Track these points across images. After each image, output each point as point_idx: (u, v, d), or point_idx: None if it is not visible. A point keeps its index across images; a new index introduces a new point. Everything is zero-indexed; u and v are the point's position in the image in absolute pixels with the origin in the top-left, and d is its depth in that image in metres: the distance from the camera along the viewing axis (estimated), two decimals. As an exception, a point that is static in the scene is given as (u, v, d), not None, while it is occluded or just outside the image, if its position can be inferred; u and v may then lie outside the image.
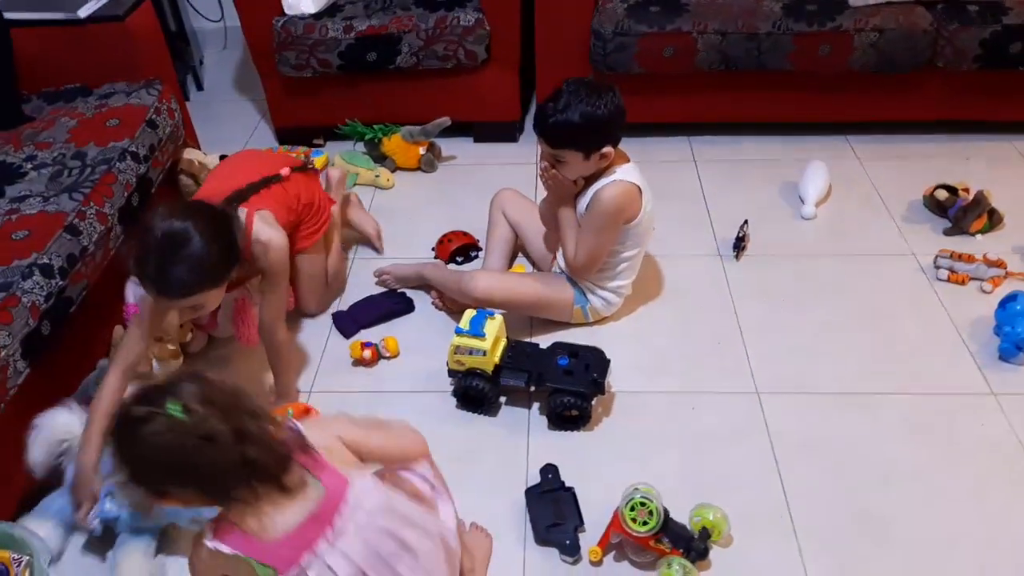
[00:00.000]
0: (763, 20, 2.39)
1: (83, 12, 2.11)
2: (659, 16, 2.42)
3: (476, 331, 1.72)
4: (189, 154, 2.21)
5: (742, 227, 2.23)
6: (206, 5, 3.34)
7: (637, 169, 1.84)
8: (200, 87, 3.23)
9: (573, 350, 1.77)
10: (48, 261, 1.59)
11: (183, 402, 0.99)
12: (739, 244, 2.21)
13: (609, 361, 1.75)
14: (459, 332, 1.73)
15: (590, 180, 1.82)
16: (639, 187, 1.81)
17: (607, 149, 1.75)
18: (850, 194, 2.44)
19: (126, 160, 1.90)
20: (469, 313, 1.77)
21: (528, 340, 1.90)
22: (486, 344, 1.71)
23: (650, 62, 2.46)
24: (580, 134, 1.72)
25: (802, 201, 2.38)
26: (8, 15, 2.09)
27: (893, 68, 2.43)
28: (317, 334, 2.04)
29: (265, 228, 1.68)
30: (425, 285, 2.13)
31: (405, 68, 2.52)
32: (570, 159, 1.76)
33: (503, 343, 1.79)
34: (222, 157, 2.23)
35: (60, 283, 1.61)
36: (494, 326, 1.75)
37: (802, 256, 2.21)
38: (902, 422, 1.75)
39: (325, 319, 2.07)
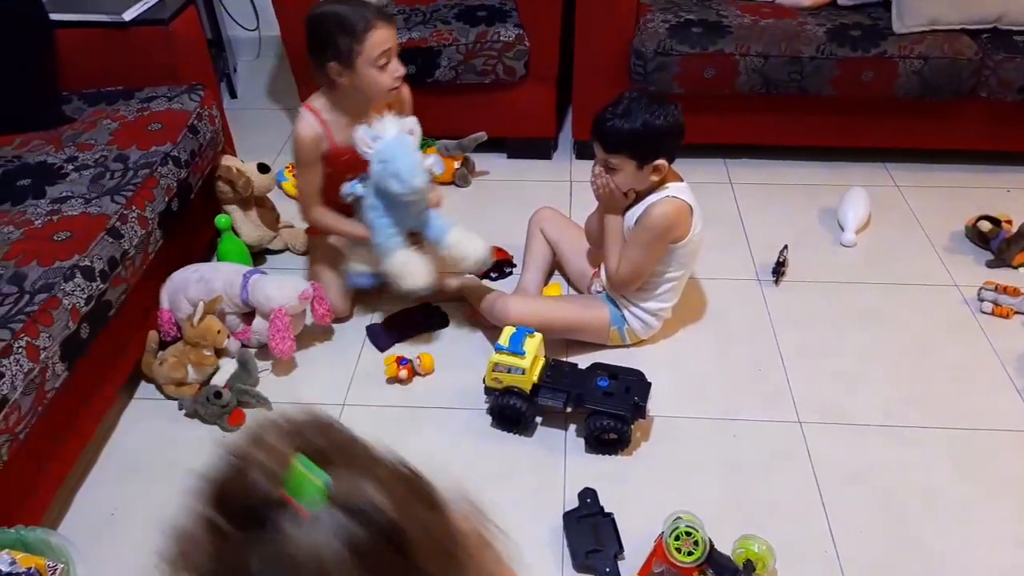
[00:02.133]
0: (806, 44, 2.37)
1: (128, 15, 2.10)
2: (701, 37, 2.40)
3: (516, 349, 1.69)
4: (227, 161, 2.19)
5: (782, 252, 2.20)
6: (242, 13, 3.35)
7: (689, 189, 1.82)
8: (234, 95, 3.23)
9: (613, 372, 1.74)
10: (90, 264, 1.58)
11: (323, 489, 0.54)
12: (778, 269, 2.18)
13: (650, 384, 1.72)
14: (499, 349, 1.70)
15: (641, 195, 1.80)
16: (691, 206, 1.78)
17: (661, 162, 1.73)
18: (890, 222, 2.41)
19: (168, 165, 1.89)
20: (508, 330, 1.74)
21: (565, 359, 1.88)
22: (525, 362, 1.68)
23: (690, 83, 2.44)
24: (636, 141, 1.71)
25: (841, 228, 2.35)
26: (53, 16, 2.09)
27: (936, 96, 2.41)
28: (350, 346, 2.01)
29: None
30: (460, 298, 2.10)
31: (443, 82, 2.51)
32: (624, 167, 1.75)
33: (542, 362, 1.76)
34: (260, 165, 2.22)
35: (101, 286, 1.59)
36: (533, 344, 1.72)
37: (842, 284, 2.18)
38: (948, 455, 1.71)
39: (358, 331, 2.05)
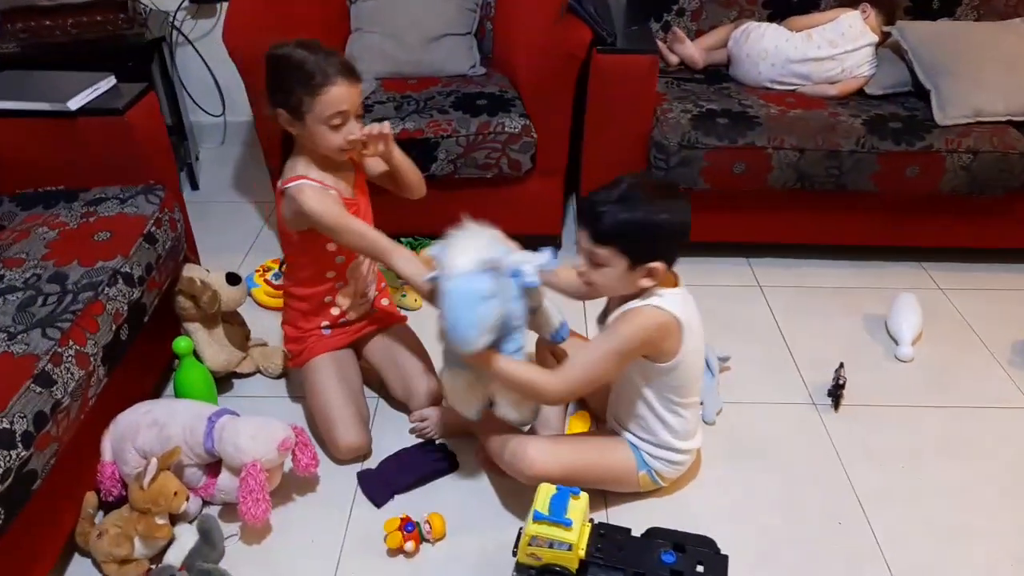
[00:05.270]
0: (844, 137, 2.15)
1: (73, 103, 1.78)
2: (729, 129, 2.16)
3: (559, 518, 1.34)
4: (189, 271, 1.84)
5: (837, 371, 1.91)
6: (206, 98, 3.06)
7: (684, 298, 1.48)
8: (195, 186, 2.90)
9: (678, 541, 1.39)
10: (9, 426, 1.20)
11: None
12: (836, 391, 1.88)
13: (726, 558, 1.38)
14: (538, 518, 1.35)
15: (624, 299, 1.48)
16: (678, 321, 1.46)
17: (657, 265, 1.42)
18: (942, 331, 2.15)
19: (117, 284, 1.53)
20: (547, 490, 1.39)
21: (606, 518, 1.53)
22: (573, 535, 1.33)
23: (718, 178, 2.19)
24: (633, 235, 1.39)
25: (894, 340, 2.09)
26: (-17, 104, 1.76)
27: (985, 192, 2.20)
28: (340, 500, 1.64)
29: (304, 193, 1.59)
30: (469, 432, 1.76)
31: (439, 176, 2.22)
32: (613, 263, 1.41)
33: (588, 529, 1.41)
34: (229, 275, 1.88)
35: (23, 454, 1.21)
36: (579, 508, 1.37)
37: (910, 407, 1.89)
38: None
39: (348, 481, 1.68)
